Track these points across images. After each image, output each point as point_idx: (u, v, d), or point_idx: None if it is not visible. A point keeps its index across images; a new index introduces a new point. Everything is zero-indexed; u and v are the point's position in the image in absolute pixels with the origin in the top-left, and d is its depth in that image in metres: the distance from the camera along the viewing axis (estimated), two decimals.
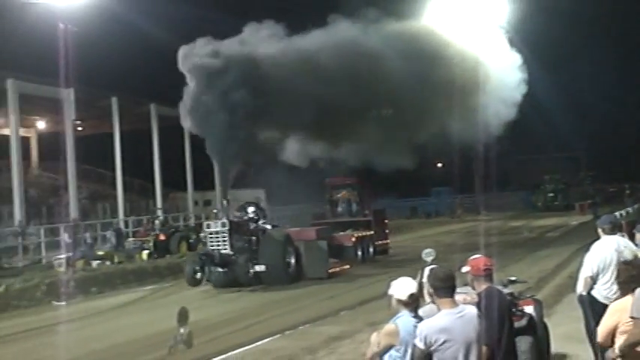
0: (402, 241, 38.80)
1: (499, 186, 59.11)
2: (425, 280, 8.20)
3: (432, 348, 6.96)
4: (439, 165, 77.42)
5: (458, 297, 7.38)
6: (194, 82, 27.08)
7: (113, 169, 46.63)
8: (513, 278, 11.18)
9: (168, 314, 19.00)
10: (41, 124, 53.79)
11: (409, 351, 7.11)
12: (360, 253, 31.10)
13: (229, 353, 15.01)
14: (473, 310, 7.22)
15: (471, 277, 8.38)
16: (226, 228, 25.31)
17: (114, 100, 45.82)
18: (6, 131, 44.09)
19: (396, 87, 29.62)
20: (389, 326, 7.23)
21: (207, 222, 27.22)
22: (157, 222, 38.64)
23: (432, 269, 7.67)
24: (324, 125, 29.54)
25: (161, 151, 48.51)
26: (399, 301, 7.29)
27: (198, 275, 24.24)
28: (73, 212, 39.87)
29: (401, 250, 33.84)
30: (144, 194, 52.12)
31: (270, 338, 16.26)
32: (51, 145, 49.53)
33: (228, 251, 24.99)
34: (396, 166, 31.35)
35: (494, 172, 50.78)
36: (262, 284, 24.86)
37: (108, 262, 31.59)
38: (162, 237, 35.97)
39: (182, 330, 15.61)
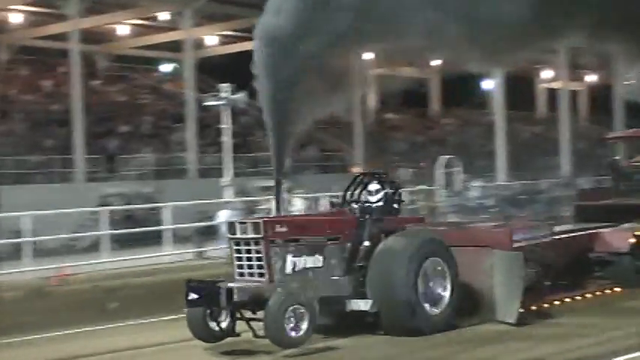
0: None
1: None
2: None
3: None
4: None
5: None
6: None
7: None
8: None
9: None
10: (591, 78, 53.96)
11: None
12: None
13: None
14: None
15: None
16: (259, 235, 12.28)
17: None
18: (555, 85, 45.11)
19: None
20: None
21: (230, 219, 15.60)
22: None
23: None
24: None
25: None
26: None
27: (213, 325, 12.06)
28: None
29: None
30: None
31: None
32: (601, 98, 49.57)
33: (263, 280, 12.20)
34: None
35: None
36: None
37: None
38: None
39: None
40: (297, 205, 26.96)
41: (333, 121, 44.74)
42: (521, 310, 12.82)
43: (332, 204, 14.44)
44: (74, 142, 32.09)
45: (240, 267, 12.40)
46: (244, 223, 12.76)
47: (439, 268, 13.03)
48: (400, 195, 14.19)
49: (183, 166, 35.77)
